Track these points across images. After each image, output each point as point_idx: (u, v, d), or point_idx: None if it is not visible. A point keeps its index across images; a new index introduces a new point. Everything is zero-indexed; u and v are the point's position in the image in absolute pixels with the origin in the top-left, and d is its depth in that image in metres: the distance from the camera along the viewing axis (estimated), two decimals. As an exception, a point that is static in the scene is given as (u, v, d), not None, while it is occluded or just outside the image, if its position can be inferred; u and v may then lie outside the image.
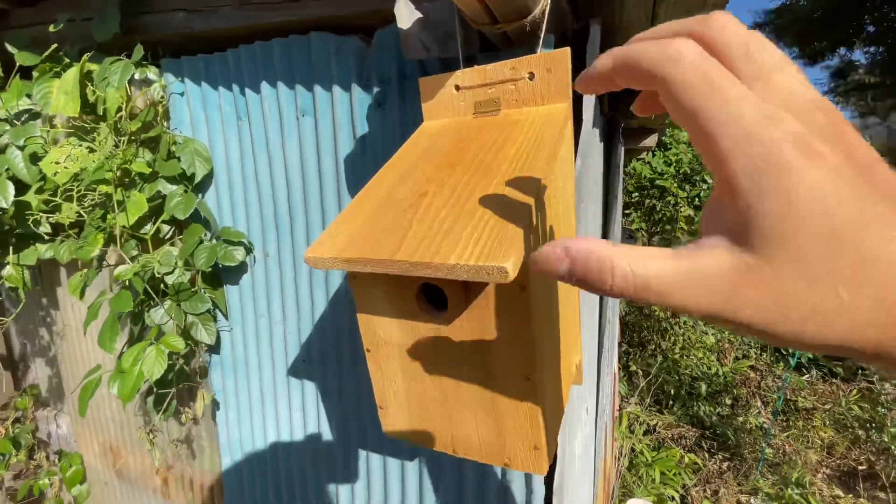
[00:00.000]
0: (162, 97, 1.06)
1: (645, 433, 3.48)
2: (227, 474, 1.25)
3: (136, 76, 1.03)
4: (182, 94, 1.07)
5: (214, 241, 1.06)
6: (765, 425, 3.90)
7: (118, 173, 1.04)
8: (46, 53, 1.11)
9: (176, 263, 1.04)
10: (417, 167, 0.53)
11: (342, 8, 0.85)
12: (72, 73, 1.07)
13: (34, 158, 1.12)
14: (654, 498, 2.72)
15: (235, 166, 1.06)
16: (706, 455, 3.42)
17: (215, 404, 1.21)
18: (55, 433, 1.79)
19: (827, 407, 4.06)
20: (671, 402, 3.88)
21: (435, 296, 0.48)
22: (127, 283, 1.00)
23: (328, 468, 1.11)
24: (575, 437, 1.15)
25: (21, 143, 1.11)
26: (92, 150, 1.08)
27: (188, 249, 1.03)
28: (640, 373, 4.01)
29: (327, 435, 1.09)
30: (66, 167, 1.06)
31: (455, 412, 0.51)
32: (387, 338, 0.51)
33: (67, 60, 1.13)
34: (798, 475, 3.33)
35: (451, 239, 0.39)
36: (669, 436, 3.52)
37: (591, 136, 1.11)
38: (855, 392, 4.11)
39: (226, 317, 1.14)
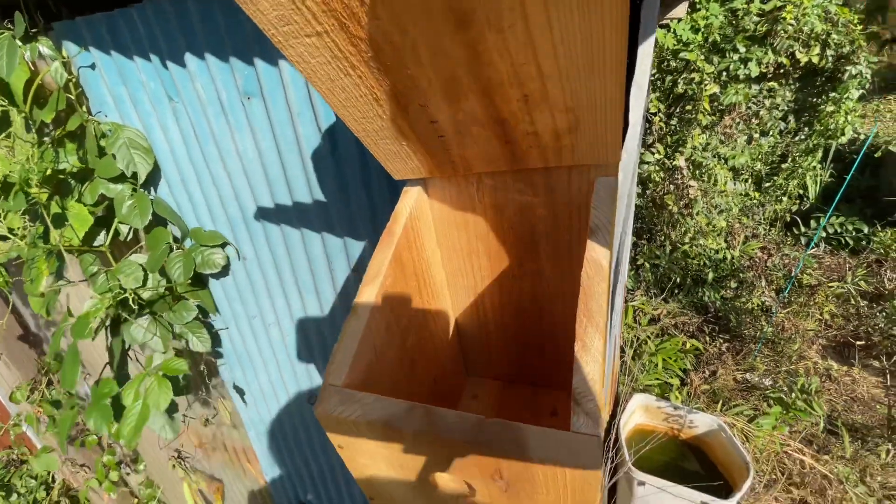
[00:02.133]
0: (70, 75, 0.82)
1: (649, 323, 3.63)
2: (255, 443, 1.31)
3: (28, 55, 0.78)
4: (93, 68, 0.83)
5: (187, 244, 0.92)
6: (767, 303, 4.03)
7: (45, 174, 0.86)
8: None
9: (146, 276, 0.93)
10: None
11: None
12: (-54, 50, 0.82)
13: (-55, 162, 0.92)
14: (657, 385, 2.94)
15: (183, 159, 0.87)
16: (707, 339, 3.60)
17: (237, 389, 1.21)
18: (89, 392, 1.88)
19: (833, 283, 4.14)
20: (676, 291, 3.97)
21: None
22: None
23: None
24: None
25: (-79, 144, 0.91)
26: (11, 150, 0.89)
27: (157, 260, 0.90)
28: (648, 266, 4.04)
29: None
30: (-17, 174, 0.88)
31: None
32: (400, 499, 0.42)
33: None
34: (795, 350, 3.53)
35: None
36: (673, 324, 3.66)
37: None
38: (863, 267, 4.15)
39: (218, 311, 1.06)
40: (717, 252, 4.10)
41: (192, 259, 0.90)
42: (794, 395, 2.58)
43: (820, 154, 4.73)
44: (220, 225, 0.91)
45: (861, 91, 4.29)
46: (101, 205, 0.91)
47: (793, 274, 3.79)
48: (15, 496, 2.86)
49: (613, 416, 2.47)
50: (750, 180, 4.80)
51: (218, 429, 1.40)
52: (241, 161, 0.81)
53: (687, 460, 2.39)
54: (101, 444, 1.96)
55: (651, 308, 3.76)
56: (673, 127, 3.84)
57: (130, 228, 0.98)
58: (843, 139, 4.50)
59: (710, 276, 3.81)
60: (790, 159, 4.38)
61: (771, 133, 4.20)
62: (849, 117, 4.38)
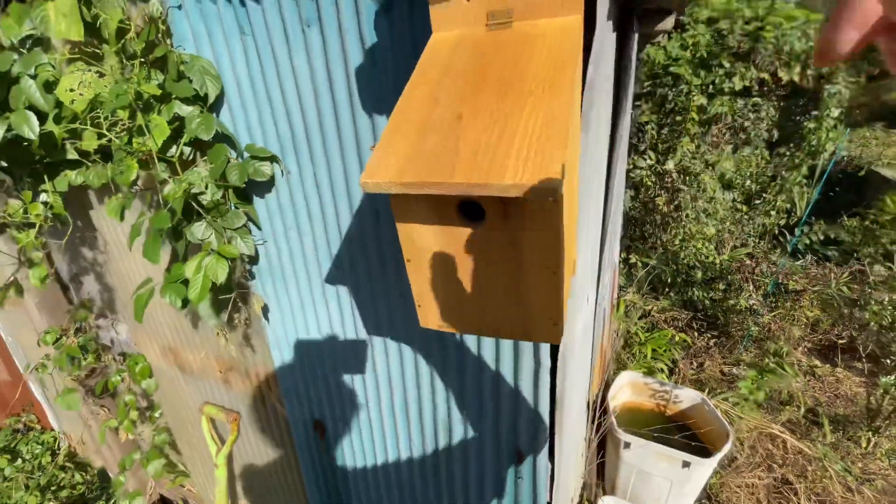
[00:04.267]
0: (161, 13, 1.03)
1: (640, 317, 3.78)
2: (278, 365, 1.46)
3: (127, -6, 0.99)
4: (180, 8, 1.03)
5: (241, 159, 1.11)
6: (754, 307, 4.19)
7: (133, 97, 1.06)
8: (31, -31, 1.05)
9: (206, 184, 1.11)
10: (443, 87, 0.57)
11: None
12: (63, -10, 1.02)
13: (48, 86, 1.12)
14: (645, 370, 3.07)
15: (245, 84, 1.07)
16: (696, 334, 3.75)
17: (264, 308, 1.37)
18: (116, 339, 2.02)
19: (816, 289, 4.31)
20: (667, 290, 4.13)
21: (472, 208, 0.55)
22: (164, 202, 1.08)
23: (361, 357, 1.29)
24: (577, 320, 1.31)
25: (32, 71, 1.10)
26: (101, 75, 1.08)
27: (218, 169, 1.08)
28: (640, 264, 4.22)
29: (361, 329, 1.25)
30: (80, 94, 1.07)
31: (486, 303, 0.61)
32: (426, 246, 0.59)
33: (53, -25, 1.07)
34: (778, 348, 3.67)
35: (500, 161, 0.45)
36: (663, 318, 3.82)
37: (605, 32, 1.09)
38: (846, 275, 4.33)
39: (259, 227, 1.23)
40: (707, 257, 4.28)
41: (246, 168, 1.09)
42: (766, 359, 2.73)
43: (804, 169, 4.98)
44: (270, 142, 1.10)
45: (840, 109, 4.56)
46: (173, 124, 1.10)
47: (775, 275, 3.97)
48: (20, 461, 2.95)
49: (604, 389, 2.60)
50: (739, 194, 5.03)
51: (242, 355, 1.55)
52: (295, 80, 1.00)
53: (672, 434, 2.51)
54: (113, 394, 2.08)
55: (643, 303, 3.92)
56: (664, 136, 4.08)
57: (192, 150, 1.17)
58: (825, 155, 4.75)
59: (699, 275, 3.98)
60: (778, 176, 4.64)
61: (758, 147, 4.44)
62: (829, 134, 4.64)
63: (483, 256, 0.57)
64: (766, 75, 3.98)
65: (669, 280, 4.26)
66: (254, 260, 1.29)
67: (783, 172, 5.03)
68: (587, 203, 1.28)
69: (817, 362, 3.77)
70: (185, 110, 1.08)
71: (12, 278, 1.44)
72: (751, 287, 4.34)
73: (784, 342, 3.87)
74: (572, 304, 1.17)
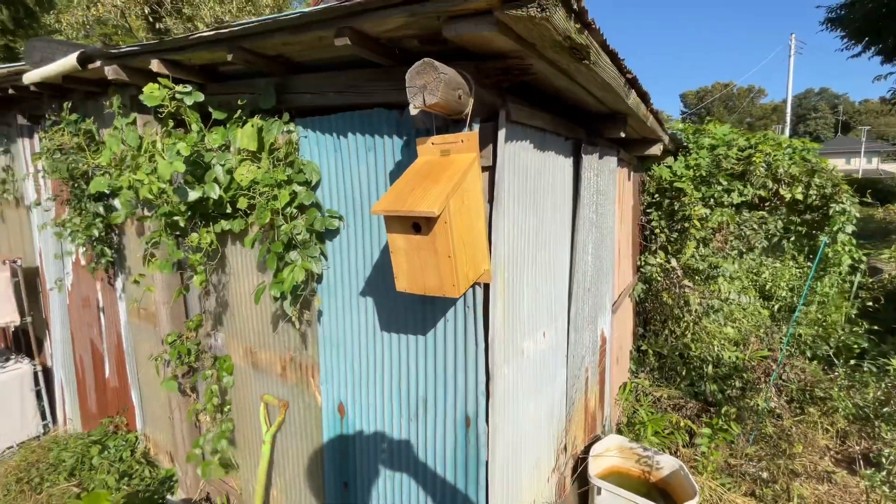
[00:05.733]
0: (296, 139, 1.96)
1: (651, 403, 4.01)
2: (322, 358, 2.13)
3: (285, 130, 1.93)
4: (306, 138, 1.96)
5: (323, 216, 1.94)
6: (776, 410, 4.23)
7: (273, 180, 1.95)
8: (236, 116, 2.05)
9: (302, 229, 1.93)
10: (414, 179, 1.34)
11: (388, 98, 1.67)
12: (249, 126, 1.99)
13: (228, 171, 2.06)
14: (633, 438, 3.30)
15: (333, 177, 1.93)
16: (703, 424, 3.88)
17: (319, 313, 2.10)
18: (213, 345, 2.80)
19: (841, 395, 4.30)
20: (678, 380, 4.34)
21: (417, 225, 1.28)
22: (277, 237, 1.90)
23: (374, 349, 1.94)
24: (524, 339, 1.90)
25: (222, 162, 2.06)
26: (259, 168, 2.00)
27: (310, 221, 1.91)
28: (651, 352, 4.51)
29: (380, 324, 1.92)
30: (246, 175, 1.99)
31: (425, 273, 1.30)
32: (399, 245, 1.31)
33: (244, 118, 2.06)
34: (797, 450, 3.69)
35: (420, 203, 1.20)
36: (671, 405, 4.01)
37: (531, 159, 1.86)
38: (881, 389, 4.29)
39: (326, 258, 2.01)
40: (723, 355, 4.47)
41: (325, 221, 1.91)
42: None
43: (828, 280, 5.19)
44: (342, 208, 1.93)
45: (852, 227, 4.91)
46: (291, 195, 1.97)
47: (802, 381, 4.08)
48: (106, 452, 3.69)
49: (589, 445, 2.91)
50: (776, 303, 5.26)
51: (300, 349, 2.25)
52: (359, 176, 1.84)
53: (657, 500, 2.75)
54: (196, 390, 2.80)
55: (653, 389, 4.16)
56: (674, 238, 4.64)
57: (298, 211, 2.02)
58: (843, 268, 5.00)
59: (711, 370, 4.20)
60: (809, 287, 4.94)
61: (794, 258, 4.83)
62: (846, 248, 4.94)
63: (421, 250, 1.28)
64: (762, 192, 4.54)
65: (683, 372, 4.47)
66: (319, 279, 2.06)
67: (811, 283, 5.25)
68: (531, 260, 1.95)
69: (836, 469, 3.70)
70: (298, 189, 1.96)
71: (185, 283, 2.31)
72: (772, 389, 4.41)
73: (802, 446, 3.86)
74: (516, 324, 1.80)
